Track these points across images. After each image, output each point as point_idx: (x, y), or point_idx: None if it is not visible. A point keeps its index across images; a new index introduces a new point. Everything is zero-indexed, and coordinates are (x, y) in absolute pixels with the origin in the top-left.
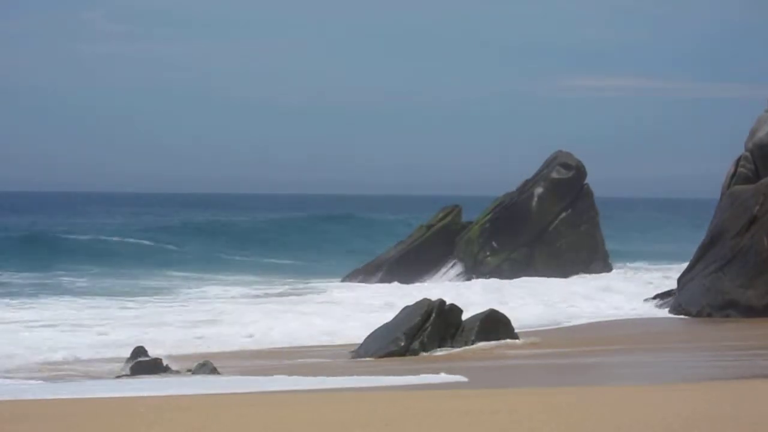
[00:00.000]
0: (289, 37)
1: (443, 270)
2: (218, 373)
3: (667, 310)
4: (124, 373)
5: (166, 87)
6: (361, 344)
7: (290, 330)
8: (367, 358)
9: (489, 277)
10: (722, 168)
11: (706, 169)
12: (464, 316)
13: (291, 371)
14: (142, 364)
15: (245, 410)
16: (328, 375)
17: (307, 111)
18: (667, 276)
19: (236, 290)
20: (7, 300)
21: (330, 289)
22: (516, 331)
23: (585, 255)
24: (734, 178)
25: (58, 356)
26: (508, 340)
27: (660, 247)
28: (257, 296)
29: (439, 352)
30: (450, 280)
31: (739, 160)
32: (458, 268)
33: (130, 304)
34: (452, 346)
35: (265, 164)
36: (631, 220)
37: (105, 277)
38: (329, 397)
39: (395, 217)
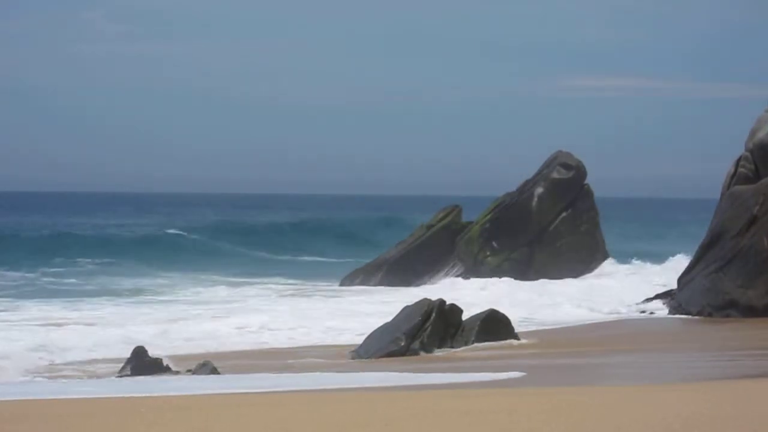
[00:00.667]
0: (290, 37)
1: (443, 270)
2: (218, 373)
3: (667, 310)
4: (124, 373)
5: (166, 87)
6: (361, 344)
7: (290, 330)
8: (367, 358)
9: (489, 277)
10: (722, 168)
11: (707, 169)
12: (464, 316)
13: (291, 371)
14: (143, 364)
15: (245, 410)
16: (328, 375)
17: (308, 111)
18: (667, 276)
19: (239, 290)
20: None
21: (330, 290)
22: (516, 331)
23: (585, 255)
24: (734, 178)
25: (62, 356)
26: (509, 341)
27: (660, 247)
28: (259, 296)
29: (439, 353)
30: (450, 280)
31: (739, 160)
32: (458, 268)
33: (129, 304)
34: (452, 346)
35: (265, 164)
36: (632, 220)
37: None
38: (329, 397)
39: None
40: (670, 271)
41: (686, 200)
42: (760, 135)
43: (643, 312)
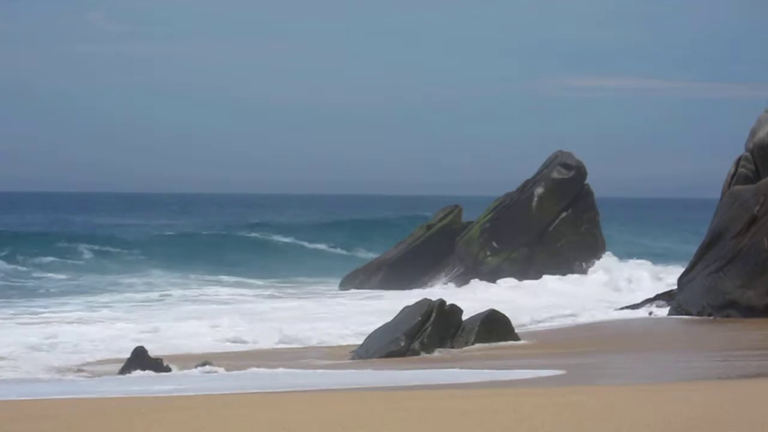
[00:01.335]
0: (290, 36)
1: (443, 270)
2: (218, 373)
3: (667, 310)
4: (124, 373)
5: (166, 87)
6: (362, 344)
7: (290, 330)
8: (368, 358)
9: (489, 277)
10: (722, 168)
11: (706, 169)
12: (464, 317)
13: (291, 371)
14: (143, 364)
15: (245, 410)
16: (328, 375)
17: (307, 111)
18: (668, 276)
19: (239, 291)
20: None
21: (330, 290)
22: (516, 331)
23: (585, 255)
24: (734, 178)
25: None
26: (509, 341)
27: (660, 246)
28: (258, 296)
29: (438, 353)
30: (450, 280)
31: (739, 160)
32: (458, 268)
33: (129, 305)
34: (452, 347)
35: (266, 164)
36: (632, 220)
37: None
38: (329, 397)
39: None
40: (670, 271)
41: (686, 200)
42: (760, 135)
43: (643, 312)
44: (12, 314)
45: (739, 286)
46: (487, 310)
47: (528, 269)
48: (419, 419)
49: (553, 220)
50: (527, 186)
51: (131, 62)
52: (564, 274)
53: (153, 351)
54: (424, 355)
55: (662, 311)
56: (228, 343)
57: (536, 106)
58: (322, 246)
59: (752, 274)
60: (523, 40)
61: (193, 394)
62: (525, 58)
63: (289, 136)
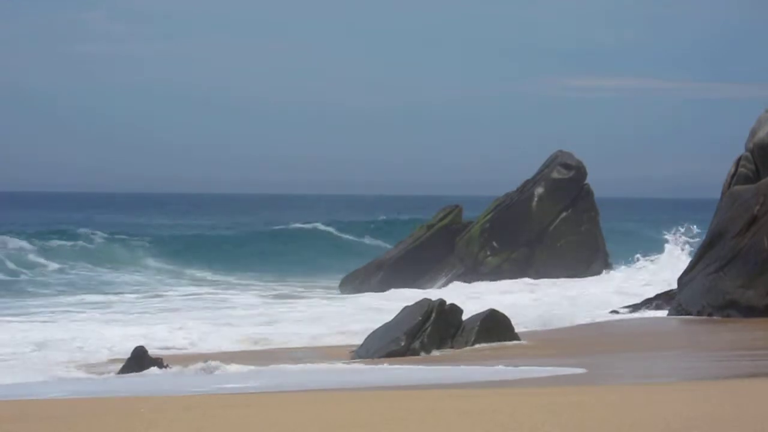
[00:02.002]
0: (290, 37)
1: (444, 270)
2: (218, 373)
3: (667, 310)
4: (124, 372)
5: (166, 87)
6: (362, 344)
7: (291, 330)
8: (368, 358)
9: (489, 277)
10: (722, 168)
11: (706, 169)
12: (464, 317)
13: (291, 371)
14: (143, 363)
15: (245, 410)
16: (328, 375)
17: (307, 110)
18: (667, 276)
19: (239, 290)
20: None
21: (330, 290)
22: (516, 331)
23: (585, 255)
24: (734, 178)
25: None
26: (509, 341)
27: (660, 246)
28: (258, 296)
29: (438, 353)
30: (450, 280)
31: (739, 160)
32: (459, 268)
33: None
34: (452, 347)
35: (267, 164)
36: (632, 220)
37: None
38: (329, 397)
39: None
40: (670, 271)
41: (686, 200)
42: (760, 135)
43: (643, 312)
44: (14, 312)
45: (739, 286)
46: (487, 310)
47: (528, 269)
48: (419, 419)
49: (553, 220)
50: (527, 186)
51: (130, 62)
52: (564, 274)
53: (153, 351)
54: (424, 355)
55: (662, 311)
56: (228, 343)
57: (536, 107)
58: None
59: (752, 274)
60: (523, 40)
61: (193, 394)
62: (525, 58)
63: (289, 137)
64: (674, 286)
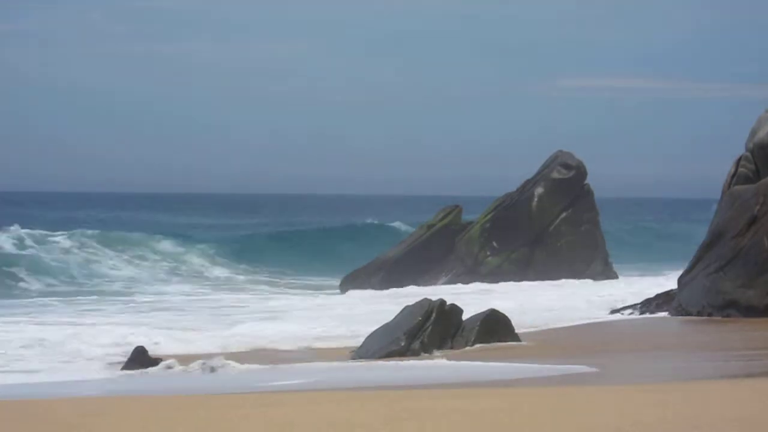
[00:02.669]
0: (290, 37)
1: (444, 270)
2: (218, 373)
3: (667, 310)
4: (124, 372)
5: (167, 87)
6: (362, 344)
7: (290, 330)
8: (368, 359)
9: (489, 277)
10: (721, 168)
11: (706, 169)
12: (464, 317)
13: (291, 371)
14: (143, 363)
15: (245, 410)
16: (328, 375)
17: (307, 110)
18: (667, 276)
19: (239, 291)
20: None
21: (330, 290)
22: (516, 331)
23: (585, 255)
24: (734, 178)
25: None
26: (509, 342)
27: (659, 246)
28: (258, 297)
29: (438, 353)
30: (450, 280)
31: (739, 160)
32: (459, 268)
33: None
34: (452, 347)
35: (266, 165)
36: (631, 220)
37: None
38: (329, 397)
39: None
40: (669, 271)
41: (687, 200)
42: (761, 135)
43: (643, 312)
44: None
45: (740, 286)
46: (488, 310)
47: (528, 269)
48: (419, 419)
49: (553, 220)
50: (527, 186)
51: (130, 62)
52: (564, 273)
53: (155, 351)
54: (424, 355)
55: (662, 311)
56: (228, 343)
57: (535, 106)
58: None
59: (752, 274)
60: (522, 40)
61: (192, 393)
62: (525, 58)
63: (289, 134)
64: (674, 286)
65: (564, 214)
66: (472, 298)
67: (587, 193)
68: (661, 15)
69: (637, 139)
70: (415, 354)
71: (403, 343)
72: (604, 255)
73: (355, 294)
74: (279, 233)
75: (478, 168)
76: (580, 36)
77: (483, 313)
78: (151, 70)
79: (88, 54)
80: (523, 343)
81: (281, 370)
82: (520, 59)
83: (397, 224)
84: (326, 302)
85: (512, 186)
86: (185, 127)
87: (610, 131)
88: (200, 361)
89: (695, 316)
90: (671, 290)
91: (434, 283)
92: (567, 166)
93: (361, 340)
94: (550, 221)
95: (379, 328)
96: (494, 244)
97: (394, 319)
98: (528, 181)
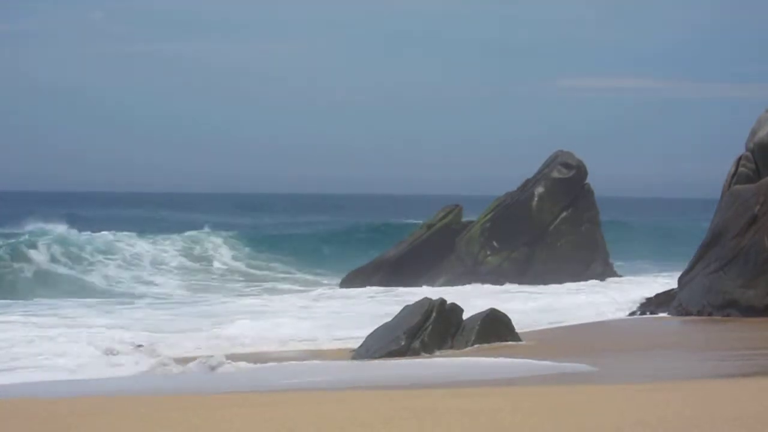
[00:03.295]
0: (290, 37)
1: (444, 270)
2: (218, 373)
3: (667, 310)
4: (124, 372)
5: (167, 87)
6: (362, 344)
7: (290, 329)
8: (368, 358)
9: (489, 277)
10: (721, 168)
11: (705, 169)
12: (465, 316)
13: (291, 371)
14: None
15: (245, 410)
16: (328, 375)
17: (306, 110)
18: (667, 275)
19: (239, 291)
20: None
21: (330, 290)
22: (516, 330)
23: (586, 254)
24: (735, 177)
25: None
26: (510, 341)
27: (659, 246)
28: (258, 297)
29: (438, 352)
30: (450, 280)
31: (739, 159)
32: (459, 268)
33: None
34: (452, 347)
35: (267, 165)
36: (631, 220)
37: None
38: (329, 397)
39: None
40: (670, 271)
41: (687, 200)
42: (761, 134)
43: (643, 312)
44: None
45: (740, 286)
46: (488, 310)
47: (528, 269)
48: (419, 419)
49: (554, 219)
50: (528, 185)
51: (130, 62)
52: (564, 273)
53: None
54: (424, 354)
55: (662, 311)
56: (229, 343)
57: (536, 106)
58: None
59: (752, 274)
60: (523, 40)
61: (192, 393)
62: (525, 58)
63: (289, 134)
64: (674, 285)
65: (564, 214)
66: (472, 298)
67: (587, 192)
68: (661, 15)
69: (638, 139)
70: (415, 353)
71: (403, 343)
72: (605, 254)
73: (355, 293)
74: (278, 233)
75: (478, 168)
76: (580, 36)
77: (483, 312)
78: (151, 70)
79: (88, 54)
80: (523, 342)
81: (281, 369)
82: (520, 59)
83: (396, 224)
84: (326, 302)
85: (512, 186)
86: (185, 127)
87: (611, 131)
88: (199, 361)
89: (695, 315)
90: (671, 290)
91: (434, 283)
92: (567, 166)
93: (361, 339)
94: (551, 221)
95: (380, 327)
96: (494, 243)
97: (395, 318)
98: (528, 181)
